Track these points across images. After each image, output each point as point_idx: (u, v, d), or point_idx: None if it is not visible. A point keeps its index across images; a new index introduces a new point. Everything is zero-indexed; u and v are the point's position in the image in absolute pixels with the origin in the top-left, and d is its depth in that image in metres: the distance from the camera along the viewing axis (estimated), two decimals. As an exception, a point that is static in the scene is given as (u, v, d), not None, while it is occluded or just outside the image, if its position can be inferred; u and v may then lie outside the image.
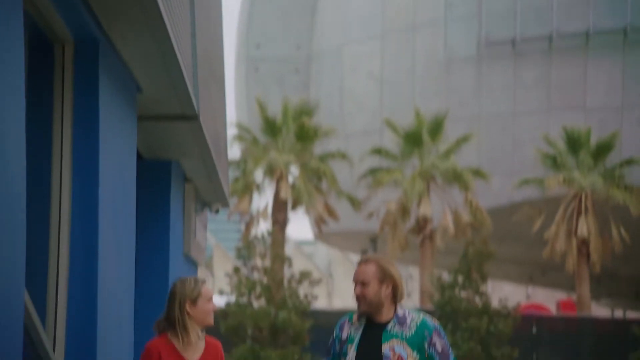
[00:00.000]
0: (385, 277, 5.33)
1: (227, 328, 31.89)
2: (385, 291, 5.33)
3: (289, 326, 31.81)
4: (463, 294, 32.04)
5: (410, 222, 39.16)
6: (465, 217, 38.20)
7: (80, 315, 5.37)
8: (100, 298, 5.45)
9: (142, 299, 7.75)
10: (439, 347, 5.30)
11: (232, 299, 32.63)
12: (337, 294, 76.20)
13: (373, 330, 5.34)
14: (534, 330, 33.65)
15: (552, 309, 48.71)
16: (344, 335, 5.39)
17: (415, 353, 5.26)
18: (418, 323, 5.33)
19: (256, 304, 32.57)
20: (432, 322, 5.38)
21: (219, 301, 34.50)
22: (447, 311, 31.60)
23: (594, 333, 33.75)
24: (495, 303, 33.61)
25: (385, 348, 5.28)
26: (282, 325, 31.81)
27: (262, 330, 32.06)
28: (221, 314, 32.06)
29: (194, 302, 5.40)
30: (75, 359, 5.34)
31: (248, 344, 31.99)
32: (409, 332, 5.29)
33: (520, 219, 37.68)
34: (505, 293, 57.23)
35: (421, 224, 38.73)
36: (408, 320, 5.32)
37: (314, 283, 33.35)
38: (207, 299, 5.44)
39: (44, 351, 4.98)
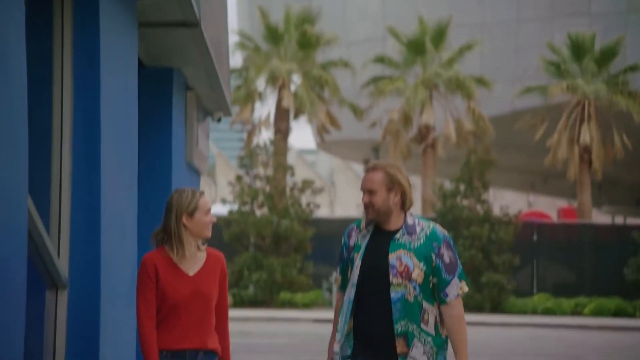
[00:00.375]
0: (394, 184, 5.21)
1: (229, 236, 32.11)
2: (394, 199, 5.21)
3: (291, 234, 32.03)
4: (465, 202, 32.19)
5: (413, 130, 39.14)
6: (468, 125, 38.16)
7: (83, 221, 5.40)
8: (103, 205, 5.47)
9: (144, 208, 7.78)
10: (446, 259, 5.19)
11: (235, 207, 32.79)
12: (339, 203, 76.53)
13: (380, 238, 5.24)
14: (535, 237, 33.85)
15: (553, 217, 48.92)
16: (352, 242, 5.31)
17: (422, 264, 5.16)
18: (428, 233, 5.21)
19: (259, 212, 32.74)
20: (442, 232, 5.25)
21: (222, 210, 34.68)
22: (448, 219, 31.78)
23: (594, 240, 33.96)
24: (496, 211, 33.76)
25: (392, 258, 5.17)
26: (284, 233, 32.02)
27: (265, 239, 32.28)
28: (224, 222, 32.28)
29: (190, 214, 5.26)
30: (80, 264, 5.39)
31: (250, 252, 32.25)
32: (417, 243, 5.18)
33: (523, 127, 37.63)
34: (507, 201, 57.49)
35: (423, 133, 38.71)
36: (417, 230, 5.21)
37: (316, 192, 33.48)
38: (205, 211, 5.29)
39: (48, 257, 5.02)
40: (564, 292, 32.90)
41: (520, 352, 19.33)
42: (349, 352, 5.27)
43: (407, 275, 5.14)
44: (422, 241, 5.18)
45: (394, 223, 5.24)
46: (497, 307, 31.44)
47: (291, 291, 32.00)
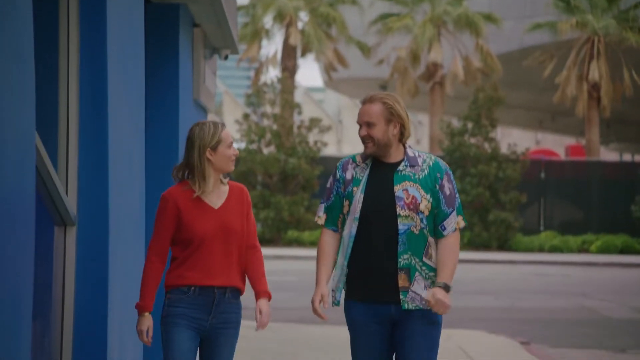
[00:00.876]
0: (393, 116, 5.08)
1: (237, 174, 32.15)
2: (393, 131, 5.08)
3: (298, 172, 32.05)
4: (472, 140, 32.13)
5: (421, 68, 38.96)
6: (476, 62, 37.96)
7: (91, 158, 5.40)
8: (110, 143, 5.47)
9: (151, 145, 7.78)
10: (446, 191, 5.09)
11: (242, 145, 32.78)
12: (346, 141, 76.49)
13: (382, 171, 5.11)
14: (542, 175, 33.84)
15: (561, 154, 48.86)
16: (348, 176, 5.15)
17: (428, 195, 5.06)
18: (430, 164, 5.11)
19: (266, 150, 32.74)
20: (444, 164, 5.15)
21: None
22: (456, 157, 31.75)
23: (601, 177, 33.95)
24: (504, 149, 33.72)
25: (398, 190, 5.05)
26: (291, 171, 32.04)
27: (272, 177, 32.32)
28: (232, 161, 32.30)
29: (214, 148, 5.12)
30: (88, 201, 5.40)
31: (258, 190, 32.32)
32: (421, 174, 5.08)
33: (531, 64, 37.43)
34: (515, 139, 57.40)
35: (431, 70, 38.53)
36: (419, 162, 5.10)
37: (324, 130, 33.43)
38: (228, 145, 5.15)
39: (56, 194, 5.03)
40: (571, 230, 32.97)
41: (527, 290, 19.42)
42: (338, 297, 5.16)
43: (414, 207, 5.04)
44: (426, 172, 5.09)
45: (394, 156, 5.13)
46: (504, 245, 31.54)
47: (298, 229, 32.12)
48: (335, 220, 5.18)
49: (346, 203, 5.14)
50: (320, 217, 5.22)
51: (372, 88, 50.62)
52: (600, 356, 11.65)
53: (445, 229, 5.09)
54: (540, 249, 31.28)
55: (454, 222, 5.10)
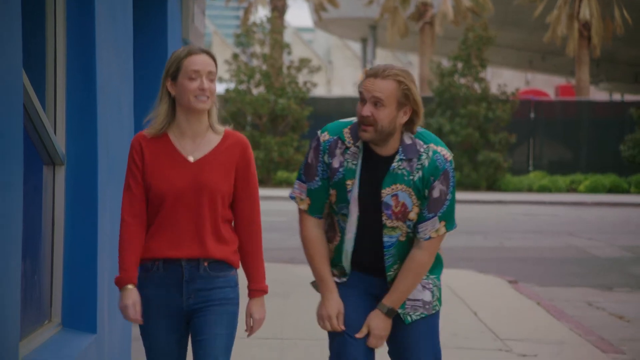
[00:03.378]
0: (407, 100, 4.13)
1: (226, 115, 32.08)
2: (402, 118, 4.14)
3: (288, 113, 32.00)
4: (462, 81, 32.07)
5: (410, 8, 38.74)
6: (466, 2, 37.75)
7: (79, 97, 5.38)
8: (98, 82, 5.44)
9: (140, 85, 7.75)
10: (435, 193, 4.17)
11: (232, 86, 32.68)
12: (336, 81, 76.26)
13: (374, 165, 4.20)
14: (532, 115, 33.85)
15: (551, 94, 48.83)
16: (336, 163, 4.21)
17: (420, 202, 4.21)
18: (427, 164, 4.17)
19: (255, 91, 32.65)
20: (444, 160, 4.18)
21: (218, 88, 34.52)
22: (445, 98, 31.71)
23: (591, 117, 33.97)
24: (494, 89, 33.70)
25: (387, 194, 4.18)
26: (281, 112, 31.98)
27: (262, 117, 32.27)
28: (221, 101, 32.22)
29: (174, 78, 4.13)
30: (76, 140, 5.39)
31: (247, 131, 32.28)
32: (416, 175, 4.17)
33: (522, 3, 37.24)
34: (505, 79, 57.31)
35: (421, 10, 38.32)
36: (419, 152, 4.18)
37: (313, 70, 33.32)
38: (189, 76, 4.09)
39: (44, 133, 5.02)
40: (560, 170, 33.07)
41: (515, 229, 19.53)
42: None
43: (403, 216, 4.21)
44: (420, 174, 4.16)
45: (391, 146, 4.19)
46: (493, 185, 31.63)
47: (288, 170, 32.14)
48: (321, 208, 4.29)
49: (333, 192, 4.26)
50: (303, 201, 4.29)
51: (362, 28, 50.37)
52: (587, 294, 11.76)
53: (419, 233, 4.23)
54: (529, 189, 31.39)
55: (431, 229, 4.20)
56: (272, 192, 29.21)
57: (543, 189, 31.15)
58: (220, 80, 33.65)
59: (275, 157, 31.75)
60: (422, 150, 4.18)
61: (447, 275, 11.90)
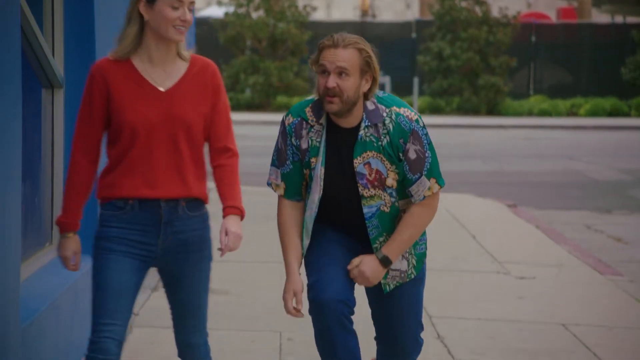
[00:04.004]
0: (369, 68, 4.11)
1: (225, 39, 31.89)
2: (365, 86, 4.12)
3: (287, 37, 31.80)
4: (463, 4, 31.81)
5: None
6: None
7: (77, 20, 5.35)
8: (96, 5, 5.41)
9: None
10: (411, 154, 4.12)
11: (231, 9, 32.43)
12: (335, 5, 75.65)
13: (341, 137, 4.16)
14: (533, 38, 33.66)
15: (553, 17, 48.48)
16: (304, 144, 4.18)
17: (394, 167, 4.16)
18: (391, 128, 4.13)
19: (255, 14, 32.41)
20: (408, 120, 4.14)
21: (217, 12, 34.29)
22: (446, 21, 31.49)
23: (592, 40, 33.78)
24: (495, 12, 33.42)
25: (359, 163, 4.14)
26: (280, 36, 31.79)
27: (261, 42, 32.08)
28: (220, 25, 32.02)
29: (150, 1, 3.74)
30: (75, 63, 5.37)
31: (247, 55, 32.11)
32: (384, 140, 4.12)
33: None
34: (506, 2, 56.79)
35: None
36: (382, 116, 4.13)
37: (313, -7, 33.04)
38: (170, 4, 3.72)
39: (43, 56, 5.01)
40: (561, 94, 32.98)
41: (515, 154, 19.55)
42: None
43: (380, 183, 4.16)
44: (388, 139, 4.12)
45: (354, 116, 4.14)
46: (493, 110, 31.57)
47: (288, 95, 32.05)
48: (298, 189, 4.26)
49: (306, 172, 4.23)
50: (279, 186, 4.26)
51: (361, -49, 49.74)
52: (585, 217, 11.81)
53: (412, 196, 4.20)
54: (530, 113, 31.34)
55: (424, 188, 4.17)
56: (272, 117, 29.15)
57: (543, 113, 31.10)
58: (220, 3, 33.40)
59: (275, 82, 31.63)
60: (384, 114, 4.13)
61: (446, 199, 11.94)
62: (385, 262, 4.19)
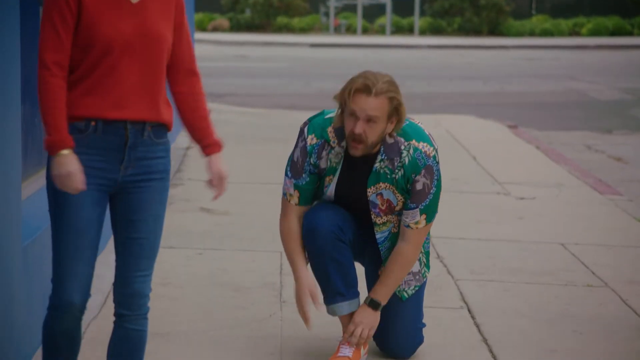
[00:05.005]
0: (397, 113, 4.18)
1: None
2: (389, 128, 4.20)
3: (287, -43, 31.50)
4: None
5: None
6: None
7: None
8: None
9: None
10: (418, 186, 4.25)
11: None
12: None
13: (357, 164, 4.27)
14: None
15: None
16: (323, 164, 4.30)
17: (403, 197, 4.30)
18: (407, 162, 4.23)
19: None
20: (425, 157, 4.24)
21: None
22: (447, -61, 31.17)
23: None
24: None
25: (372, 193, 4.28)
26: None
27: (261, -38, 31.75)
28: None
29: None
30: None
31: (247, -24, 31.82)
32: (398, 173, 4.25)
33: None
34: None
35: None
36: (399, 149, 4.22)
37: None
38: None
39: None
40: (563, 13, 32.76)
41: (516, 74, 19.48)
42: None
43: (389, 209, 4.32)
44: (401, 173, 4.24)
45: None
46: (494, 30, 31.38)
47: (288, 15, 31.84)
48: (310, 198, 4.38)
49: (318, 183, 4.39)
50: (292, 196, 4.34)
51: None
52: (586, 137, 11.81)
53: (401, 217, 4.33)
54: (531, 34, 31.16)
55: (412, 219, 4.28)
56: (272, 37, 28.99)
57: (545, 33, 30.92)
58: None
59: (275, 2, 31.40)
60: (402, 148, 4.23)
61: (447, 120, 11.93)
62: (375, 306, 4.34)
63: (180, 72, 3.54)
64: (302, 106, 13.48)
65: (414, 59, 22.86)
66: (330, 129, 4.26)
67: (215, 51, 23.97)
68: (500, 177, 8.79)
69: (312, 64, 21.08)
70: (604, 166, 9.92)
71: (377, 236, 4.35)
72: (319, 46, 27.11)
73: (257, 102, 14.19)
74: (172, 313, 4.97)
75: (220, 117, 11.48)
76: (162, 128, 3.50)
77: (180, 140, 9.53)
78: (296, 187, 4.32)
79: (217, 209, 7.04)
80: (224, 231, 6.62)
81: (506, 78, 18.50)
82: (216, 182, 3.55)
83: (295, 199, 4.33)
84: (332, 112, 4.33)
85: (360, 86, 4.10)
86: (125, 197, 3.48)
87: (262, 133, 10.74)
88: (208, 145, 3.55)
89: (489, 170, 9.11)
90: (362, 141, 4.15)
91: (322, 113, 4.38)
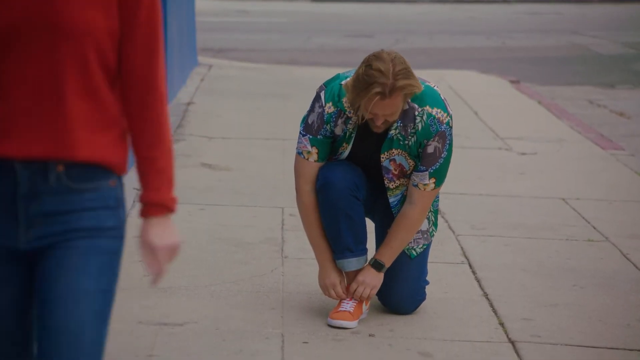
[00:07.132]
0: (412, 94, 4.22)
1: None
2: (405, 106, 4.25)
3: None
4: None
5: None
6: None
7: None
8: None
9: None
10: (430, 149, 4.28)
11: None
12: None
13: (371, 132, 4.31)
14: None
15: None
16: (338, 131, 4.35)
17: (414, 162, 4.37)
18: (420, 129, 4.26)
19: None
20: (438, 123, 4.27)
21: None
22: None
23: None
24: None
25: (385, 159, 4.34)
26: None
27: None
28: None
29: None
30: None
31: None
32: (411, 139, 4.29)
33: None
34: None
35: None
36: (413, 116, 4.26)
37: None
38: None
39: None
40: (566, -33, 32.48)
41: (518, 29, 19.37)
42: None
43: (401, 173, 4.37)
44: (415, 137, 4.28)
45: None
46: (497, -16, 31.17)
47: (289, -30, 31.61)
48: (327, 154, 4.40)
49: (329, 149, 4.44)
50: (311, 152, 4.36)
51: None
52: (589, 92, 11.78)
53: (410, 177, 4.38)
54: (534, -12, 30.95)
55: (419, 181, 4.32)
56: (273, -7, 28.81)
57: (548, -12, 30.71)
58: None
59: (276, -43, 31.17)
60: (416, 114, 4.26)
61: (449, 76, 11.89)
62: (379, 267, 4.40)
63: (132, 87, 2.33)
64: (303, 61, 13.43)
65: (415, 14, 22.75)
66: (345, 100, 4.28)
67: (216, 6, 23.86)
68: (502, 132, 8.78)
69: (313, 19, 20.99)
70: (606, 121, 9.90)
71: (391, 200, 4.40)
72: (320, 1, 26.98)
73: (257, 57, 14.14)
74: (172, 268, 4.97)
75: (221, 72, 11.45)
76: (90, 167, 2.29)
77: (181, 95, 9.50)
78: (314, 143, 4.34)
79: (219, 164, 7.04)
80: (226, 187, 6.62)
81: (508, 33, 18.41)
82: (147, 258, 2.38)
83: (314, 156, 4.35)
84: (347, 77, 4.32)
85: (374, 96, 4.08)
86: (37, 268, 2.29)
87: (263, 89, 10.70)
88: (146, 203, 2.39)
89: (490, 125, 9.10)
90: (380, 128, 4.24)
91: (337, 77, 4.39)
